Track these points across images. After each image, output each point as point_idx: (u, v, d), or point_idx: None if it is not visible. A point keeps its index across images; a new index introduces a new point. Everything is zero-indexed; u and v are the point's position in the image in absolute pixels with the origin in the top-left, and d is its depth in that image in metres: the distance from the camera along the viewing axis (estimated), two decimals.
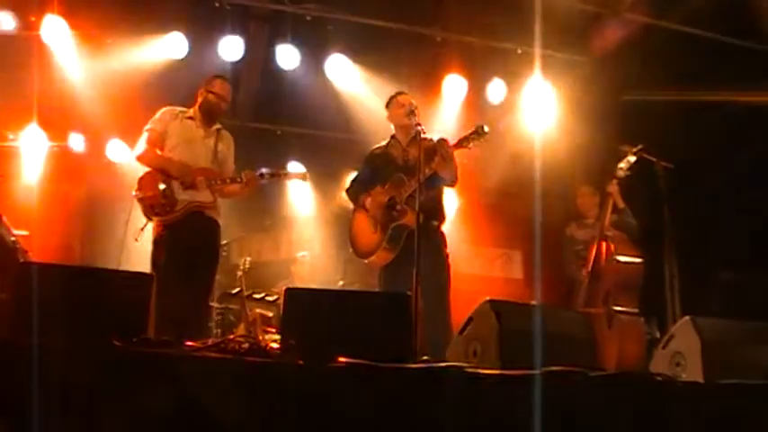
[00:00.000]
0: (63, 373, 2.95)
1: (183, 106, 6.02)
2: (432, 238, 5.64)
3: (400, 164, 5.89)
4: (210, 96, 5.92)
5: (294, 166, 9.88)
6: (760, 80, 7.13)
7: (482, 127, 5.55)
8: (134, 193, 5.71)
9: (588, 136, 8.14)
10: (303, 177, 6.31)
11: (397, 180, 5.78)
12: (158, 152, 5.78)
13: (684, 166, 6.48)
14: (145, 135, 5.84)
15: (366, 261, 5.97)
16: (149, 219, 5.69)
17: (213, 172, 5.83)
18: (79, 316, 3.40)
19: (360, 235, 5.95)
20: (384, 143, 6.09)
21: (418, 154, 5.31)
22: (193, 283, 5.67)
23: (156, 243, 5.67)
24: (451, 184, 5.87)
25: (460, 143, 5.59)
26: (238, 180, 5.88)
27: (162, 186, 5.68)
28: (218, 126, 6.01)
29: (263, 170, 6.12)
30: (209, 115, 5.94)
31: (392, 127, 6.05)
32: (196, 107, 5.96)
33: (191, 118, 5.91)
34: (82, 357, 3.04)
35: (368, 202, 5.88)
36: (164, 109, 5.96)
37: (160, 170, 5.72)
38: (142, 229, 5.76)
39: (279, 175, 6.31)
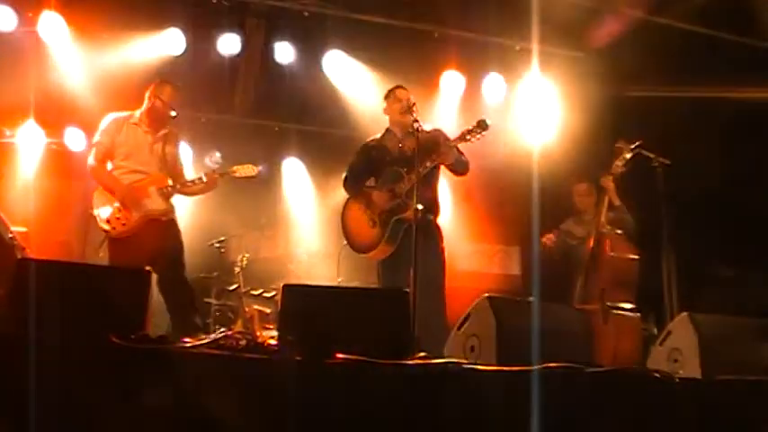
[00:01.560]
0: (61, 369, 2.95)
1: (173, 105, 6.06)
2: (429, 232, 5.66)
3: (396, 156, 5.89)
4: (158, 103, 5.98)
5: (290, 163, 9.98)
6: (760, 77, 7.12)
7: (484, 121, 5.57)
8: (94, 212, 5.85)
9: (586, 132, 8.12)
10: (252, 171, 6.27)
11: (395, 174, 5.77)
12: (108, 165, 5.95)
13: (683, 162, 6.47)
14: (93, 151, 5.98)
15: (365, 255, 5.97)
16: (107, 234, 5.82)
17: (163, 180, 5.94)
18: (77, 313, 3.40)
19: (356, 229, 5.94)
20: (379, 135, 6.09)
21: (415, 148, 5.36)
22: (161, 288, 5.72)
23: (111, 256, 5.83)
24: (464, 172, 5.91)
25: (463, 136, 5.60)
26: (197, 182, 6.06)
27: (116, 204, 5.82)
28: (165, 130, 6.07)
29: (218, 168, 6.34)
30: (156, 121, 6.02)
31: (388, 120, 6.05)
32: (143, 111, 6.03)
33: (136, 124, 5.99)
34: (80, 354, 3.04)
35: (375, 196, 5.87)
36: (108, 118, 6.05)
37: (107, 189, 5.86)
38: (102, 244, 5.92)
39: (228, 173, 6.25)
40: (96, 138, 6.02)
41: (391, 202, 5.76)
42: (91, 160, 5.96)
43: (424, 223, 5.47)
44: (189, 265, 6.14)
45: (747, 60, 7.24)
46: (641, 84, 7.81)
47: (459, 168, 5.85)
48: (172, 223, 5.99)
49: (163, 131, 6.04)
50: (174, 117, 6.00)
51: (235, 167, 6.19)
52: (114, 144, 5.93)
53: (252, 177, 6.32)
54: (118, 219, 5.78)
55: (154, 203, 5.85)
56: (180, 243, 6.00)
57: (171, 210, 5.99)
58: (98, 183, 5.94)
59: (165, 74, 7.73)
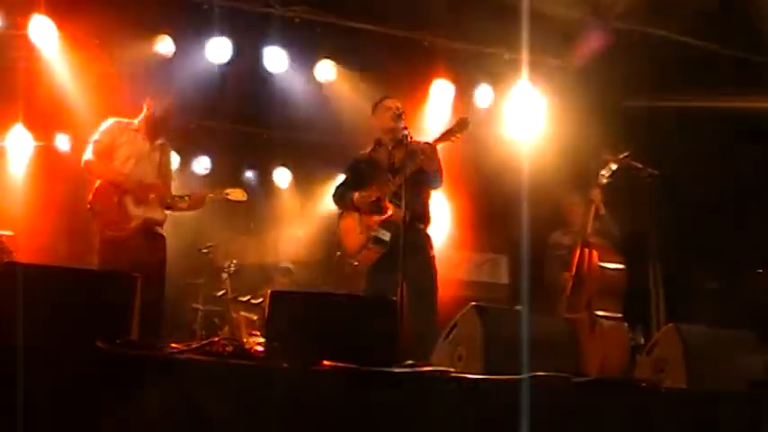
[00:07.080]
0: (47, 375, 2.94)
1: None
2: (419, 241, 5.65)
3: (385, 167, 5.88)
4: (158, 112, 5.97)
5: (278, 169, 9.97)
6: (749, 88, 7.17)
7: (465, 119, 5.62)
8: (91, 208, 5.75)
9: (575, 142, 8.15)
10: (242, 196, 6.35)
11: (383, 180, 5.78)
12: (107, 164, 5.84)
13: (672, 173, 6.50)
14: (90, 146, 5.86)
15: (353, 261, 5.97)
16: (103, 234, 5.71)
17: (162, 189, 5.92)
18: (63, 317, 3.38)
19: (347, 235, 5.94)
20: (369, 149, 6.08)
21: (403, 155, 5.35)
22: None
23: (102, 257, 5.70)
24: (438, 184, 5.87)
25: (444, 136, 5.63)
26: (186, 199, 6.03)
27: (115, 200, 5.71)
28: (160, 141, 6.05)
29: (210, 194, 6.24)
30: (155, 129, 5.99)
31: (378, 130, 6.04)
32: (142, 119, 5.99)
33: (136, 130, 5.95)
34: (66, 359, 3.03)
35: (356, 198, 5.86)
36: (110, 120, 5.98)
37: (113, 182, 5.75)
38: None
39: (222, 197, 6.31)
40: (95, 136, 5.90)
41: (376, 207, 5.76)
42: (88, 155, 5.83)
43: (414, 232, 5.46)
44: (176, 270, 6.08)
45: (737, 72, 7.30)
46: (631, 94, 7.85)
47: (436, 180, 5.82)
48: (161, 237, 5.93)
49: (159, 141, 6.03)
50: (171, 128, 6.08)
51: (227, 190, 6.23)
52: (114, 146, 5.85)
53: (241, 201, 6.38)
54: (116, 222, 5.69)
55: (154, 212, 5.82)
56: (164, 259, 5.95)
57: (164, 222, 5.93)
58: (96, 177, 5.81)
59: (155, 79, 7.76)
